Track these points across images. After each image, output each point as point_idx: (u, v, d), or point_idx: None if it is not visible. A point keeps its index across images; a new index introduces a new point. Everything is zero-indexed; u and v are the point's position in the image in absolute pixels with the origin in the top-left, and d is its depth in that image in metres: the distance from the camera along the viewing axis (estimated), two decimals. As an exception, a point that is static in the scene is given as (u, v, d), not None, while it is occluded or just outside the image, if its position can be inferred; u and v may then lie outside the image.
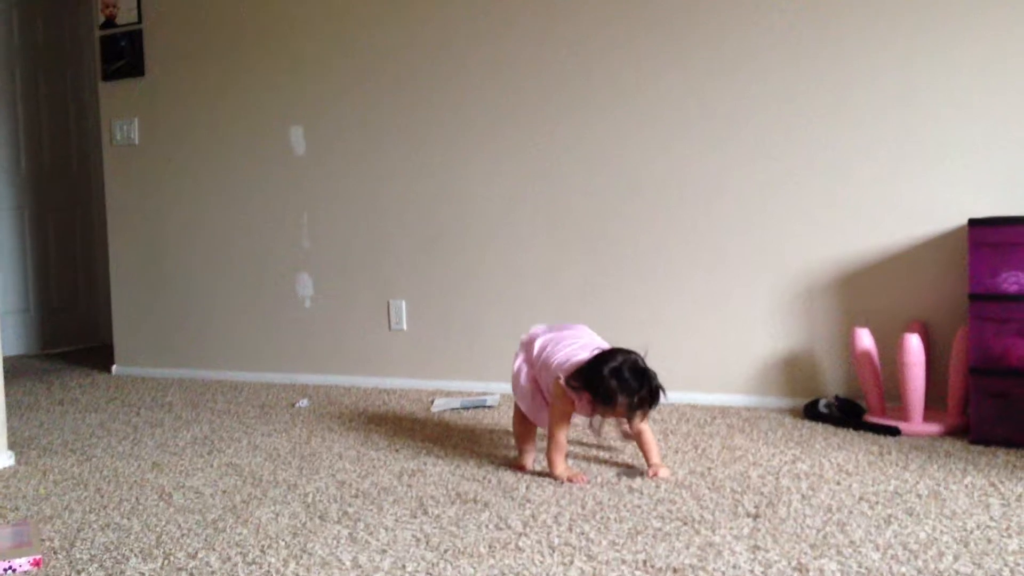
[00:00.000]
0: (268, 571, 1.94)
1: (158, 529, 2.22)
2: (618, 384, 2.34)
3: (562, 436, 2.53)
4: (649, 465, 2.56)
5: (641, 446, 2.58)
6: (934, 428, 2.87)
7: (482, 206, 3.88)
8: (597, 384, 2.36)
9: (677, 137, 3.47)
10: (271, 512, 2.33)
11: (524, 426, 2.69)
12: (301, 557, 2.01)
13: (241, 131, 4.43)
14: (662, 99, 3.51)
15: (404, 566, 1.95)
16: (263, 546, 2.07)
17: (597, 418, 2.45)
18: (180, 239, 4.64)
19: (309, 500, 2.43)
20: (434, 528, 2.17)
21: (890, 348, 3.14)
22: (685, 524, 2.13)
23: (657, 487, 2.42)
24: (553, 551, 1.99)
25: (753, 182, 3.38)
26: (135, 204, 4.75)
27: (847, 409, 3.08)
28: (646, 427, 2.53)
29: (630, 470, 2.61)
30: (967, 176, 3.05)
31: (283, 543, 2.09)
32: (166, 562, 2.00)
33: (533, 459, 2.67)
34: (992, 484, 2.33)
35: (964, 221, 2.94)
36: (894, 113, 3.15)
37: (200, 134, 4.54)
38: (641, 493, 2.37)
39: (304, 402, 3.78)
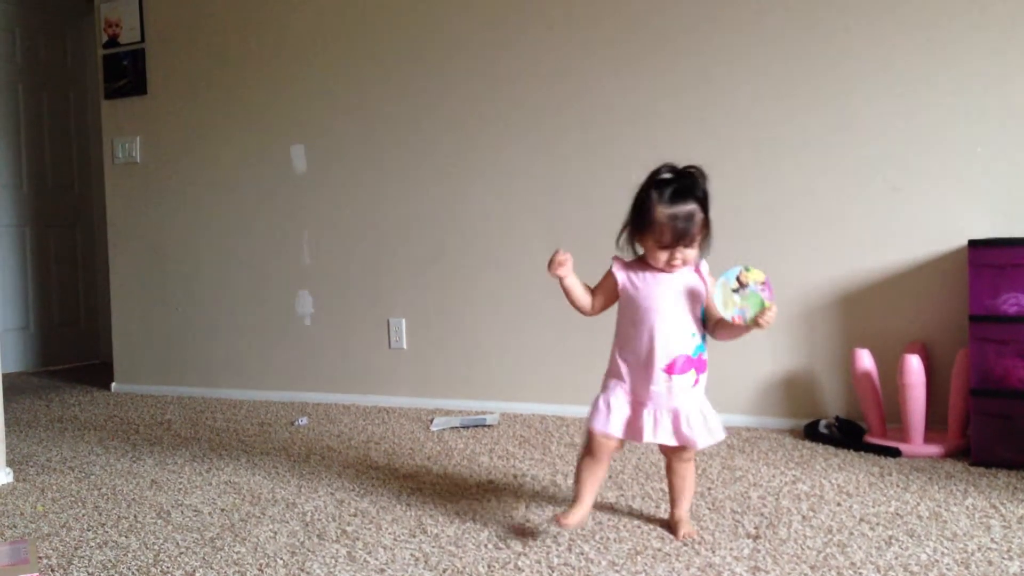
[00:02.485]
0: (266, 590, 1.93)
1: (156, 547, 2.21)
2: (654, 185, 2.00)
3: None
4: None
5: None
6: (935, 449, 2.86)
7: (483, 224, 3.89)
8: (633, 204, 2.06)
9: (678, 156, 3.48)
10: (269, 530, 2.32)
11: (590, 466, 2.14)
12: (299, 576, 2.00)
13: (242, 149, 4.45)
14: (666, 118, 3.52)
15: (403, 586, 1.94)
16: (261, 564, 2.07)
17: (641, 276, 2.08)
18: (181, 257, 4.65)
19: (308, 518, 2.42)
20: (433, 547, 2.16)
21: (891, 369, 3.13)
22: (685, 545, 2.12)
23: (657, 507, 2.41)
24: (553, 571, 1.98)
25: (753, 202, 3.39)
26: (136, 222, 4.76)
27: (848, 430, 3.08)
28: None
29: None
30: (968, 197, 3.05)
31: (281, 562, 2.09)
32: (164, 581, 1.99)
33: (583, 516, 2.15)
34: (993, 506, 2.33)
35: (964, 242, 2.95)
36: (895, 134, 3.16)
37: (202, 152, 4.56)
38: (640, 513, 2.36)
39: (303, 420, 3.77)
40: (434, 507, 2.48)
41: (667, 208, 1.96)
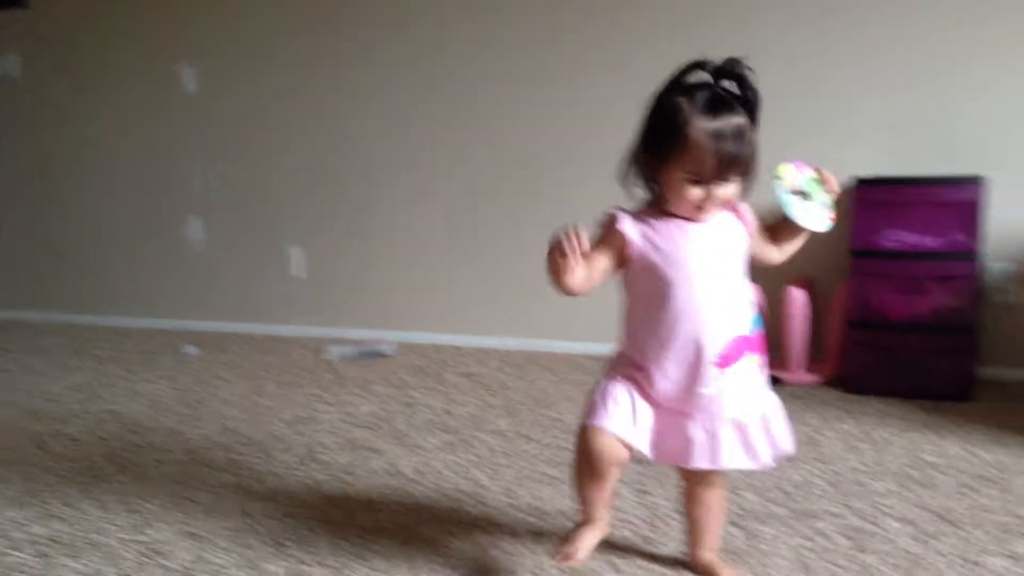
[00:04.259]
0: (147, 519, 1.89)
1: (34, 477, 2.14)
2: (682, 90, 1.38)
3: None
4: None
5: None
6: (813, 378, 2.98)
7: (383, 152, 3.81)
8: (650, 118, 1.41)
9: (581, 94, 3.47)
10: (153, 460, 2.27)
11: (593, 474, 1.48)
12: (184, 505, 1.97)
13: (129, 67, 4.22)
14: (561, 60, 3.49)
15: (293, 514, 1.93)
16: (144, 494, 2.02)
17: (663, 231, 1.42)
18: (62, 178, 4.42)
19: (193, 448, 2.37)
20: (324, 475, 2.15)
21: (777, 302, 3.23)
22: (574, 470, 2.16)
23: (547, 433, 2.45)
24: (445, 497, 2.00)
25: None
26: (13, 141, 4.49)
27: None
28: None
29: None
30: (856, 137, 3.14)
31: (165, 492, 2.05)
32: (42, 510, 1.94)
33: (593, 541, 1.56)
34: (864, 431, 2.44)
35: (852, 179, 3.04)
36: (786, 73, 3.21)
37: (85, 70, 4.31)
38: (532, 440, 2.40)
39: (192, 349, 3.68)
40: (326, 436, 2.47)
41: (708, 122, 1.33)
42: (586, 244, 1.37)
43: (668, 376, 1.43)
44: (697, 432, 1.44)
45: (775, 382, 2.96)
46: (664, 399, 1.45)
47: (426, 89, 3.71)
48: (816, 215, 1.47)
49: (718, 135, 1.33)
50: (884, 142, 3.09)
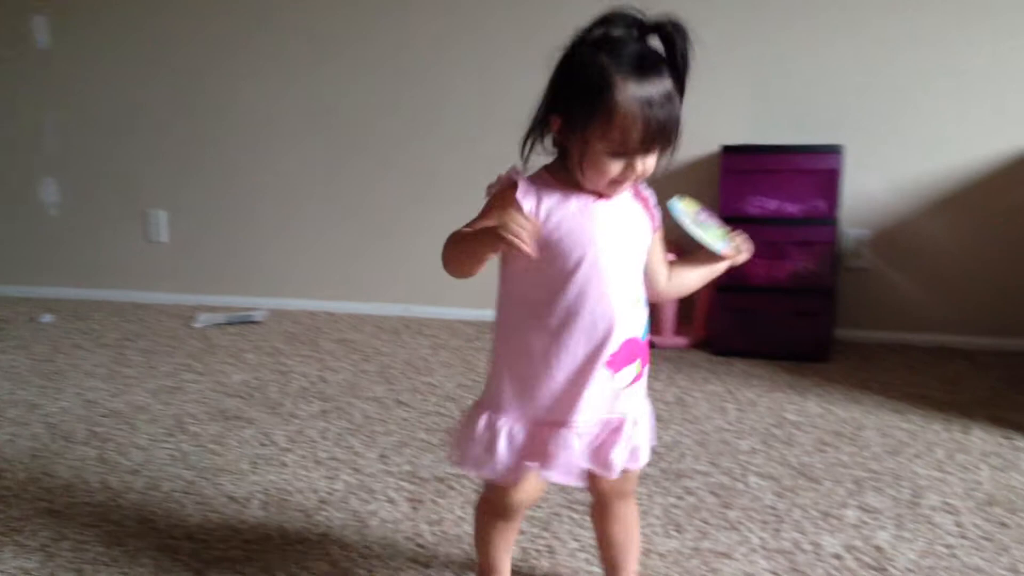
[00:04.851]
0: (3, 495, 1.80)
1: None
2: (604, 47, 1.16)
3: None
4: None
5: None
6: (682, 341, 3.07)
7: (250, 110, 3.68)
8: (566, 76, 1.19)
9: (452, 58, 3.43)
10: (8, 434, 2.15)
11: (502, 531, 1.40)
12: (42, 480, 1.87)
13: (-30, 15, 3.94)
14: (446, 11, 3.44)
15: (159, 486, 1.86)
16: (-2, 471, 1.92)
17: (561, 204, 1.21)
18: None
19: (52, 421, 2.26)
20: (193, 446, 2.09)
21: (647, 266, 3.30)
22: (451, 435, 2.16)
23: (425, 400, 2.44)
24: (319, 465, 1.97)
25: (515, 102, 3.41)
26: None
27: (607, 324, 3.24)
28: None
29: None
30: (724, 105, 3.22)
31: (21, 466, 1.94)
32: None
33: None
34: (729, 391, 2.54)
35: (719, 147, 3.12)
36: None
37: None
38: (409, 407, 2.39)
39: (48, 317, 3.49)
40: (195, 406, 2.39)
41: (637, 86, 1.13)
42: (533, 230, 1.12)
43: (554, 378, 1.22)
44: (572, 439, 1.24)
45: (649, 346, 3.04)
46: (542, 409, 1.24)
47: (293, 42, 3.60)
48: (716, 241, 1.34)
49: (648, 102, 1.13)
50: (749, 111, 3.18)
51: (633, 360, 1.26)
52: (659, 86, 1.15)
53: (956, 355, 2.87)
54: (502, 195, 1.21)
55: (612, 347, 1.23)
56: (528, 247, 1.10)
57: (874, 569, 1.53)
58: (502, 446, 1.24)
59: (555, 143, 1.22)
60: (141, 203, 3.87)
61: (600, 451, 1.26)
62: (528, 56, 3.39)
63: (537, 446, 1.24)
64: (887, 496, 1.81)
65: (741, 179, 2.91)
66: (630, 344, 1.25)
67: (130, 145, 3.84)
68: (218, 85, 3.70)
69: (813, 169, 2.87)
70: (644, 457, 1.32)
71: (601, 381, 1.23)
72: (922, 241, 3.02)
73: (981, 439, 2.13)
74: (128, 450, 2.06)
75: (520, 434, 1.25)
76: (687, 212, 1.34)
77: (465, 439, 1.28)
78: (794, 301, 2.88)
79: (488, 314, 2.88)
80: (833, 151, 2.85)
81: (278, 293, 3.73)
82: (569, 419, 1.24)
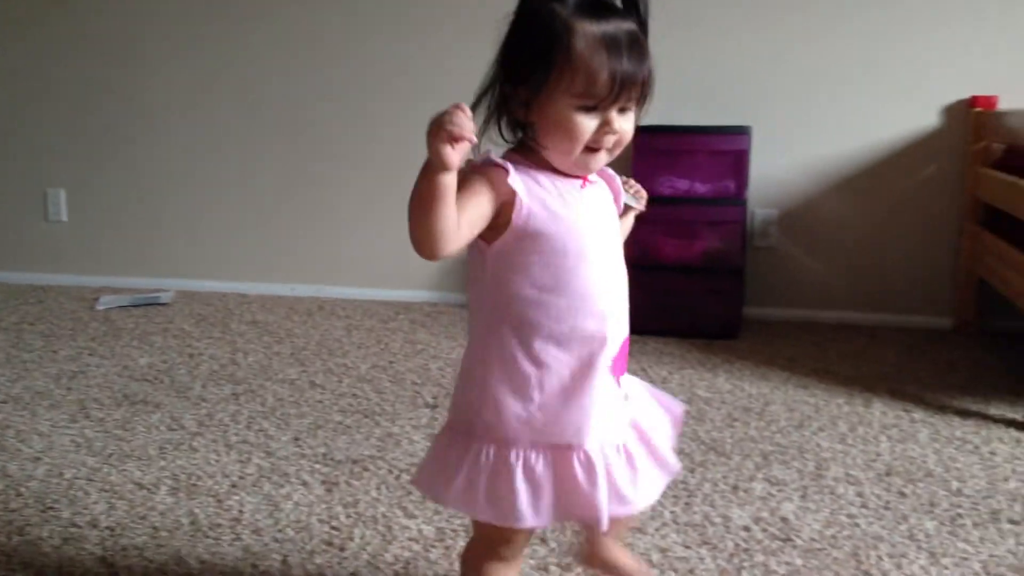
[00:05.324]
0: None
1: None
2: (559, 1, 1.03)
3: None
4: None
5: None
6: (597, 320, 3.11)
7: (154, 84, 3.56)
8: (517, 32, 1.06)
9: (368, 33, 3.38)
10: None
11: (496, 572, 1.16)
12: (-65, 471, 1.79)
13: None
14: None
15: (61, 473, 1.80)
16: None
17: (553, 190, 1.06)
18: None
19: (-54, 408, 2.16)
20: (97, 432, 2.02)
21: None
22: (366, 417, 2.15)
23: (340, 382, 2.42)
24: (230, 449, 1.94)
25: (439, 76, 3.38)
26: None
27: (522, 304, 3.25)
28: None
29: None
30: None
31: (-88, 457, 1.86)
32: None
33: None
34: (643, 369, 2.58)
35: (631, 129, 3.16)
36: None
37: None
38: (323, 388, 2.36)
39: (-59, 301, 3.34)
40: (99, 391, 2.32)
41: (595, 24, 1.01)
42: (470, 127, 0.93)
43: (550, 388, 1.06)
44: (586, 468, 1.06)
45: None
46: (534, 423, 1.06)
47: (199, 19, 3.50)
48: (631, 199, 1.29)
49: (611, 41, 1.01)
50: (660, 93, 3.21)
51: (626, 361, 1.15)
52: (620, 25, 1.04)
53: (859, 332, 2.97)
54: (486, 179, 1.02)
55: (613, 348, 1.09)
56: (457, 145, 0.91)
57: (781, 540, 1.57)
58: (524, 486, 1.04)
59: (515, 125, 1.07)
60: (40, 181, 3.72)
61: (639, 475, 1.10)
62: (449, 21, 3.37)
63: (565, 478, 1.06)
64: (793, 469, 1.87)
65: (653, 160, 2.94)
66: (625, 343, 1.13)
67: (27, 120, 3.68)
68: (121, 62, 3.57)
69: (722, 150, 2.93)
70: (671, 466, 1.17)
71: (607, 390, 1.09)
72: (827, 221, 3.11)
73: (881, 412, 2.21)
74: (28, 437, 1.99)
75: (540, 465, 1.05)
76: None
77: (461, 479, 1.06)
78: (704, 280, 2.94)
79: (403, 294, 2.82)
80: (741, 132, 2.91)
81: (186, 274, 3.63)
82: (579, 440, 1.06)
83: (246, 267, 3.59)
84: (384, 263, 3.48)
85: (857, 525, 1.63)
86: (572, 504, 1.05)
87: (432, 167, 0.93)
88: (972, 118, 2.92)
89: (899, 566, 1.49)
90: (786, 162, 3.09)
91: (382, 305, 3.32)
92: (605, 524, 1.05)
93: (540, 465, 1.05)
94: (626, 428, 1.12)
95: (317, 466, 1.86)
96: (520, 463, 1.05)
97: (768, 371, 2.53)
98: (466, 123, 0.92)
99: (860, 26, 3.01)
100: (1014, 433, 2.08)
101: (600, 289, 1.08)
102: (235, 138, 3.53)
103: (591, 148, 1.05)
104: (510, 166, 1.03)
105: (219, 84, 3.51)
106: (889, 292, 3.09)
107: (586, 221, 1.07)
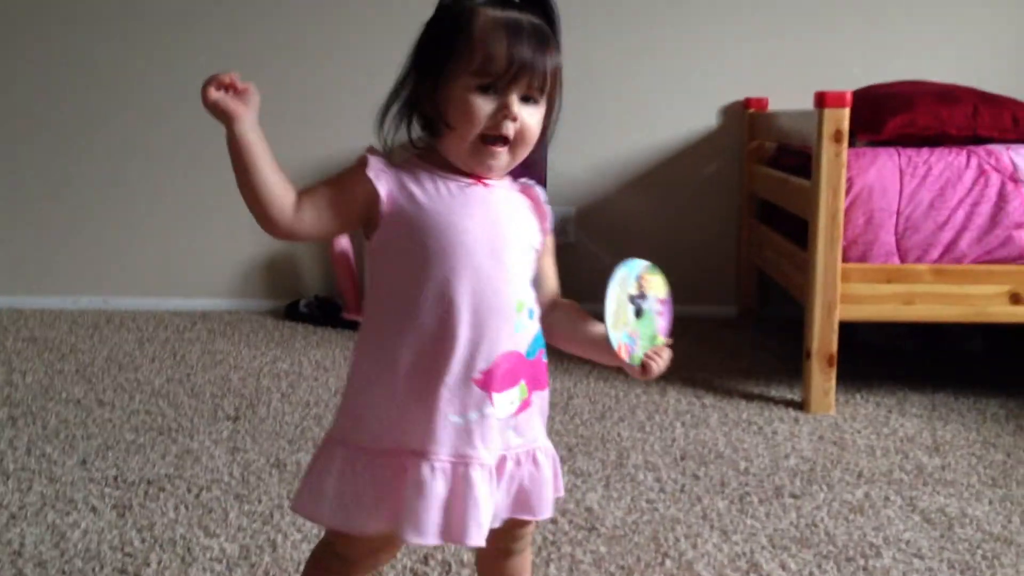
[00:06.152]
0: None
1: None
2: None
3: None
4: None
5: None
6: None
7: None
8: (425, 34, 1.06)
9: (166, 32, 3.21)
10: None
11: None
12: None
13: None
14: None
15: None
16: None
17: (430, 185, 1.04)
18: None
19: None
20: None
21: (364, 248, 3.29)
22: (161, 434, 2.04)
23: (131, 398, 2.28)
24: (8, 478, 1.79)
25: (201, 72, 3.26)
26: None
27: (325, 308, 3.19)
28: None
29: None
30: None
31: None
32: None
33: None
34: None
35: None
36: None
37: None
38: (113, 407, 2.22)
39: None
40: None
41: (498, 10, 1.03)
42: (252, 93, 0.97)
43: (412, 397, 1.01)
44: (435, 480, 1.00)
45: (349, 325, 3.03)
46: (396, 436, 1.02)
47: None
48: (620, 326, 1.07)
49: (512, 24, 1.01)
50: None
51: (515, 382, 1.05)
52: (524, 15, 1.03)
53: (653, 323, 3.11)
54: (350, 171, 1.04)
55: (481, 361, 1.02)
56: (234, 104, 0.95)
57: (586, 529, 1.62)
58: (355, 485, 1.02)
59: (424, 123, 1.06)
60: None
61: (478, 503, 1.01)
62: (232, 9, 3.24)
63: (392, 484, 1.01)
64: (596, 459, 1.94)
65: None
66: (510, 360, 1.04)
67: None
68: None
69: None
70: (543, 508, 1.08)
71: (473, 402, 1.02)
72: (621, 217, 3.24)
73: (676, 399, 2.33)
74: None
75: (371, 469, 1.02)
76: (630, 282, 1.10)
77: (319, 483, 1.04)
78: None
79: (200, 303, 2.72)
80: (539, 133, 2.98)
81: (-49, 289, 3.32)
82: (428, 449, 1.00)
83: (20, 280, 3.31)
84: (177, 270, 3.32)
85: (656, 509, 1.71)
86: (401, 515, 1.00)
87: (226, 127, 0.95)
88: (746, 119, 3.13)
89: (695, 546, 1.57)
90: (580, 161, 3.20)
91: (177, 315, 3.17)
92: (421, 542, 1.00)
93: (377, 470, 1.02)
94: (493, 454, 1.03)
95: (107, 489, 1.74)
96: (362, 467, 1.02)
97: (571, 365, 2.60)
98: (229, 74, 0.95)
99: (642, 29, 3.17)
100: (792, 412, 2.25)
101: (472, 292, 1.01)
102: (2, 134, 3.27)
103: (490, 137, 1.02)
104: (372, 158, 1.03)
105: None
106: (680, 284, 3.23)
107: (467, 219, 1.03)
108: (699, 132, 3.20)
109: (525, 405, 1.06)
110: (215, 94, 0.94)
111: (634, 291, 1.10)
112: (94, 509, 1.66)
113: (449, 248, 1.01)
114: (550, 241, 1.17)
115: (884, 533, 1.63)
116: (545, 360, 1.10)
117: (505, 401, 1.04)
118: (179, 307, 3.27)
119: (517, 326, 1.04)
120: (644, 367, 1.07)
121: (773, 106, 3.07)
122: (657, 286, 1.13)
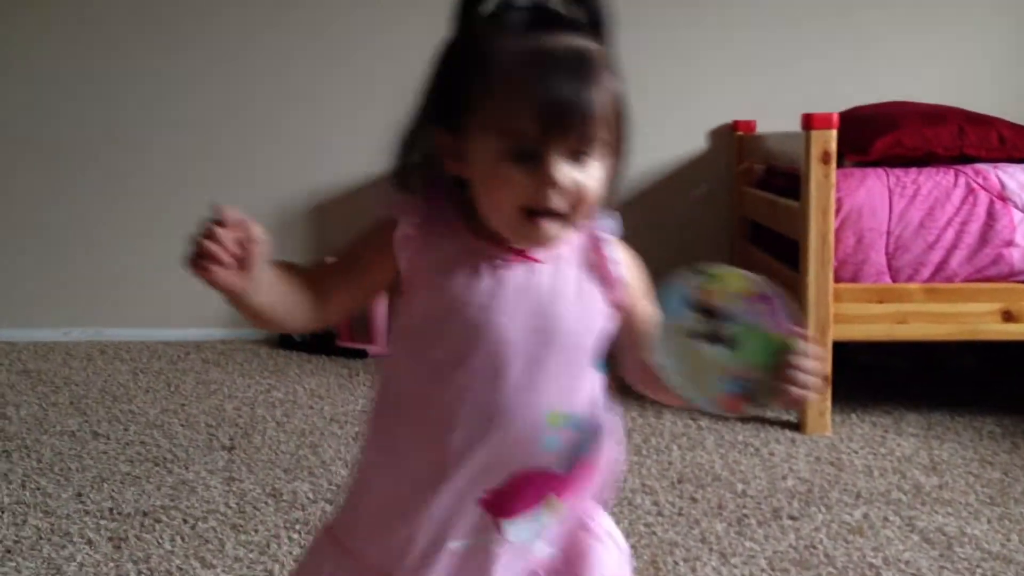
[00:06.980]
0: None
1: None
2: (488, 21, 0.81)
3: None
4: None
5: None
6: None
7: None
8: (442, 63, 0.83)
9: (160, 59, 3.23)
10: None
11: None
12: None
13: None
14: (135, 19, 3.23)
15: None
16: None
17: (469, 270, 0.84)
18: None
19: None
20: None
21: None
22: (157, 465, 2.04)
23: (126, 430, 2.27)
24: (2, 512, 1.78)
25: (223, 110, 3.28)
26: None
27: (319, 336, 3.18)
28: None
29: None
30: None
31: None
32: None
33: None
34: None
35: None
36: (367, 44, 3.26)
37: None
38: (107, 438, 2.21)
39: None
40: None
41: (520, 40, 0.79)
42: (259, 238, 0.76)
43: (391, 505, 0.86)
44: None
45: (362, 355, 3.02)
46: (379, 545, 0.87)
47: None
48: (706, 385, 0.79)
49: (540, 60, 0.76)
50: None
51: (537, 501, 0.85)
52: (560, 40, 0.77)
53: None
54: (377, 235, 0.85)
55: (487, 477, 0.83)
56: (228, 274, 0.75)
57: (585, 553, 1.61)
58: None
59: (453, 184, 0.84)
60: None
61: None
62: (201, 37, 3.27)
63: None
64: (593, 483, 1.93)
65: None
66: (526, 480, 0.84)
67: None
68: None
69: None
70: None
71: (474, 527, 0.84)
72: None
73: (671, 422, 2.33)
74: None
75: None
76: (683, 317, 0.79)
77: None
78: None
79: (194, 332, 2.72)
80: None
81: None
82: (392, 569, 0.85)
83: (10, 311, 3.30)
84: (170, 300, 3.31)
85: (654, 533, 1.70)
86: None
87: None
88: (735, 141, 3.15)
89: (694, 569, 1.57)
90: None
91: (171, 345, 3.16)
92: None
93: None
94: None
95: (103, 522, 1.74)
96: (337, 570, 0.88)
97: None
98: (222, 233, 0.74)
99: (630, 54, 3.17)
100: (788, 434, 2.25)
101: (480, 404, 0.82)
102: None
103: (533, 211, 0.79)
104: (403, 225, 0.83)
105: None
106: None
107: (498, 316, 0.81)
108: (688, 155, 3.23)
109: (560, 521, 0.87)
110: (213, 275, 0.75)
111: (697, 324, 0.79)
112: (90, 542, 1.65)
113: (477, 347, 0.82)
114: (636, 286, 0.92)
115: (883, 553, 1.63)
116: (600, 457, 0.89)
117: (522, 525, 0.85)
118: (173, 337, 3.27)
119: (547, 443, 0.84)
120: (786, 397, 0.78)
121: (761, 128, 3.09)
122: (729, 285, 0.79)
